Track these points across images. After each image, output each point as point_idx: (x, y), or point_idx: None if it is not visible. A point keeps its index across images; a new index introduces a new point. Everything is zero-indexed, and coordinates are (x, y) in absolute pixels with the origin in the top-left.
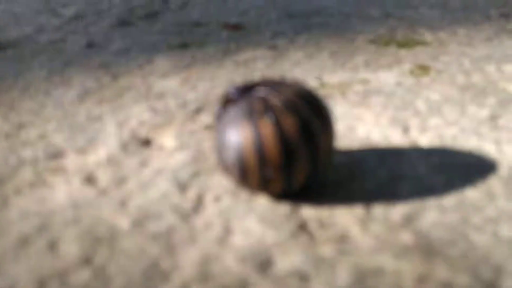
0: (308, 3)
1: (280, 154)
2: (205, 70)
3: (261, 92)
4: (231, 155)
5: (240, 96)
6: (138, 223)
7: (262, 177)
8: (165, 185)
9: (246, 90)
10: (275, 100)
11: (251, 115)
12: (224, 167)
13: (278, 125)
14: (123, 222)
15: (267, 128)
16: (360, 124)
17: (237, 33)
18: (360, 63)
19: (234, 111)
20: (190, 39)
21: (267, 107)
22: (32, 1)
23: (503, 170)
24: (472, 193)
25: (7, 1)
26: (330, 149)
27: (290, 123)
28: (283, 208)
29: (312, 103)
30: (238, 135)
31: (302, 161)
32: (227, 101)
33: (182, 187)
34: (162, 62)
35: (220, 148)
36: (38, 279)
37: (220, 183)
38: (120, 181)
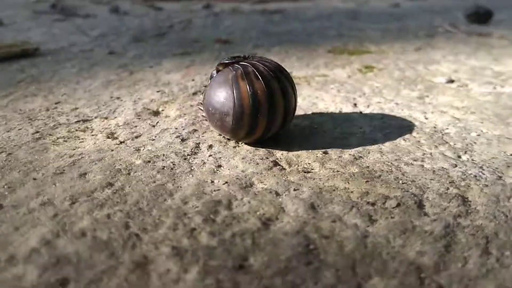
0: (280, 26)
1: (267, 103)
2: (201, 68)
3: (248, 63)
4: (231, 103)
5: (231, 64)
6: (149, 161)
7: (254, 119)
8: (170, 138)
9: (235, 61)
10: (262, 68)
11: (246, 77)
12: (222, 114)
13: (267, 85)
14: (137, 161)
15: (259, 86)
16: (320, 101)
17: (226, 45)
18: (321, 64)
19: (228, 75)
20: (190, 50)
21: (258, 72)
22: (67, 26)
23: (427, 129)
24: (404, 143)
25: (48, 26)
26: (295, 104)
27: (274, 85)
28: (261, 152)
29: (285, 74)
30: (238, 89)
31: (280, 110)
32: (221, 67)
33: (183, 139)
34: (168, 64)
35: (219, 99)
36: (71, 196)
37: (212, 137)
38: (135, 136)
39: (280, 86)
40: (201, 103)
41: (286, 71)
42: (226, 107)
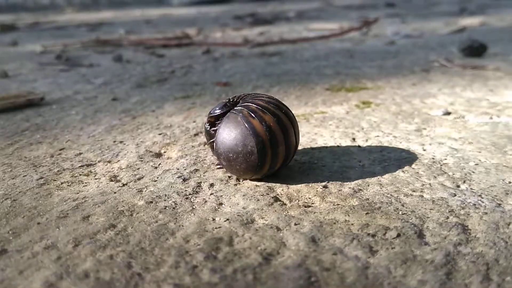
0: (279, 67)
1: (281, 133)
2: (202, 110)
3: (248, 102)
4: (252, 142)
5: (228, 109)
6: (151, 202)
7: (275, 151)
8: (172, 179)
9: (227, 107)
10: (262, 103)
11: (255, 114)
12: (246, 155)
13: (274, 116)
14: (140, 202)
15: (269, 118)
16: (319, 137)
17: (226, 88)
18: (319, 102)
19: (236, 118)
20: (191, 93)
21: (262, 107)
22: (71, 75)
23: (426, 160)
24: (403, 174)
25: (53, 76)
26: (299, 136)
27: (280, 114)
28: (262, 188)
29: (282, 103)
30: (253, 127)
31: (292, 136)
32: (212, 119)
33: (185, 179)
34: (169, 107)
35: (238, 142)
36: (74, 238)
37: (214, 176)
38: (138, 178)
39: (284, 114)
40: (211, 144)
41: (280, 101)
42: (249, 147)
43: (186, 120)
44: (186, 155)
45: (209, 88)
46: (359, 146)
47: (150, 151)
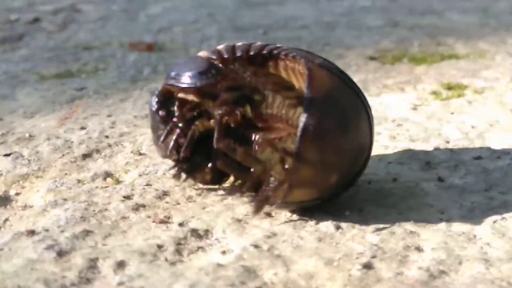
0: (268, 12)
1: None
2: (99, 104)
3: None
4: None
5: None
6: None
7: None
8: (33, 251)
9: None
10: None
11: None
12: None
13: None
14: None
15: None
16: None
17: (153, 55)
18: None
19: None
20: (76, 67)
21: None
22: None
23: None
24: None
25: None
26: None
27: None
28: (231, 271)
29: None
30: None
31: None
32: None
33: (61, 252)
34: (28, 98)
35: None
36: None
37: (127, 244)
38: None
39: None
40: None
41: None
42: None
43: (64, 125)
44: (65, 199)
45: (116, 55)
46: (439, 179)
47: None
